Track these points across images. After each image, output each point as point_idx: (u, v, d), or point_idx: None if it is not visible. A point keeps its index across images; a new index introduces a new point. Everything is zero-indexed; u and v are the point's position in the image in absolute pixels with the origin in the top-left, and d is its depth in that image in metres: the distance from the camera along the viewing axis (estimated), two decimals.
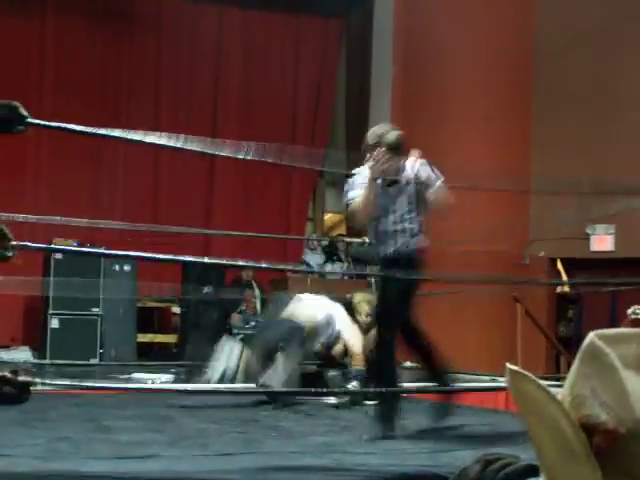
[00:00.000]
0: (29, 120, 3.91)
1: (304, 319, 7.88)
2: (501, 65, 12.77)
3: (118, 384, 8.24)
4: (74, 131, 4.37)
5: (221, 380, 7.82)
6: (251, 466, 4.98)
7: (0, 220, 4.24)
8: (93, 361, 11.41)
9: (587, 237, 12.37)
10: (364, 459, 5.24)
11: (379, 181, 6.00)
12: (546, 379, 8.79)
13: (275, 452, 5.45)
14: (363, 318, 8.27)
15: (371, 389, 6.59)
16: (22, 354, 11.62)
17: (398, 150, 5.98)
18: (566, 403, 1.26)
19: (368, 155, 6.01)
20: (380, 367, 6.13)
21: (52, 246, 9.89)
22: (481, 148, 12.36)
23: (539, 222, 12.20)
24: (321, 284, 11.94)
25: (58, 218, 8.65)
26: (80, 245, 10.62)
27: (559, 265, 11.70)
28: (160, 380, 8.93)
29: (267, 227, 13.18)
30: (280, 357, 7.48)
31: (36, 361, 11.37)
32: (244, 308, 12.47)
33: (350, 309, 8.47)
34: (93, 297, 11.61)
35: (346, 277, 12.74)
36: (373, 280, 6.99)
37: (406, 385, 8.75)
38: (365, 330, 8.26)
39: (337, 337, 8.43)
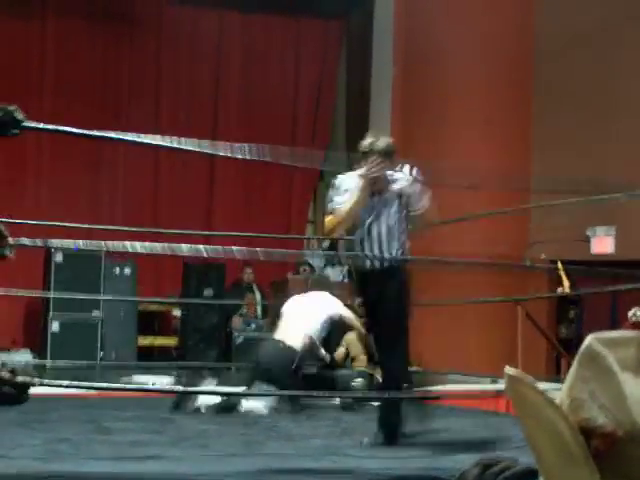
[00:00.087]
0: (24, 124, 3.91)
1: (297, 343, 7.78)
2: (501, 66, 12.77)
3: (118, 385, 8.21)
4: (70, 133, 4.36)
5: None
6: (251, 468, 4.98)
7: None
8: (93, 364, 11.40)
9: (587, 239, 12.36)
10: (364, 462, 5.24)
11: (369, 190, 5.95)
12: (547, 381, 8.80)
13: (275, 454, 5.45)
14: (365, 321, 8.26)
15: (375, 392, 6.54)
16: (23, 357, 11.62)
17: (390, 157, 5.94)
18: (564, 406, 1.25)
19: (361, 163, 5.97)
20: (395, 373, 6.04)
21: (49, 242, 9.81)
22: (481, 149, 12.36)
23: (539, 224, 12.20)
24: (322, 286, 11.93)
25: (58, 224, 8.64)
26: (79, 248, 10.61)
27: (559, 267, 11.67)
28: (161, 383, 8.92)
29: (267, 228, 13.18)
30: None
31: (36, 361, 11.37)
32: (245, 311, 12.48)
33: (355, 311, 8.47)
34: (94, 300, 11.61)
35: (346, 280, 12.73)
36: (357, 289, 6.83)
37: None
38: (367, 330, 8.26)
39: (337, 342, 8.46)
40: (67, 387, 7.11)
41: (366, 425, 6.44)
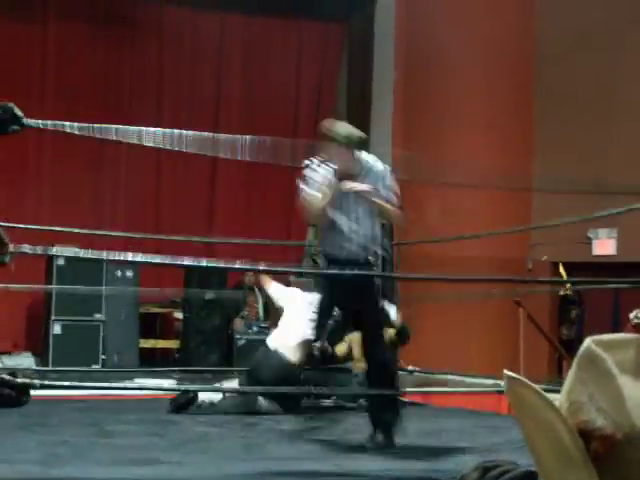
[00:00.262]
0: (25, 121, 3.91)
1: (292, 354, 7.74)
2: (502, 69, 12.76)
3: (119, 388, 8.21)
4: (70, 129, 4.35)
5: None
6: (251, 471, 4.98)
7: None
8: (95, 367, 11.40)
9: (589, 241, 12.36)
10: (365, 464, 5.24)
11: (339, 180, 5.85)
12: (548, 382, 8.80)
13: (275, 457, 5.45)
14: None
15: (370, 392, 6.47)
16: (24, 360, 11.62)
17: (352, 145, 5.90)
18: (563, 409, 1.25)
19: (326, 151, 5.85)
20: (385, 372, 6.05)
21: (49, 249, 9.82)
22: (483, 152, 12.35)
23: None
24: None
25: (58, 229, 8.65)
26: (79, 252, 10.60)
27: (561, 269, 11.67)
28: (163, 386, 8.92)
29: (269, 230, 13.18)
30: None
31: (39, 368, 11.36)
32: (246, 313, 12.47)
33: None
34: (95, 303, 11.61)
35: None
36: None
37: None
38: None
39: (340, 338, 8.42)
40: (67, 389, 7.12)
41: (368, 426, 6.44)
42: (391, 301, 7.82)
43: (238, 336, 12.06)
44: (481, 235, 10.49)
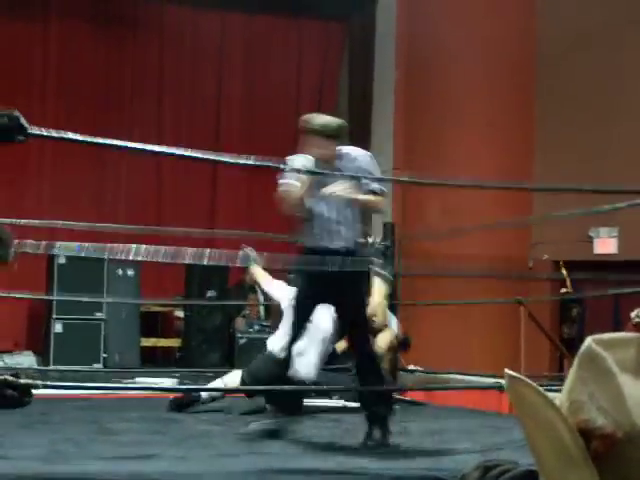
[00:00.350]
0: (30, 131, 3.92)
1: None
2: (503, 69, 12.76)
3: (120, 385, 8.23)
4: (75, 141, 4.37)
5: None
6: (253, 468, 4.99)
7: (1, 225, 4.25)
8: (97, 366, 11.40)
9: (590, 240, 12.36)
10: (366, 462, 5.25)
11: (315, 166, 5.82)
12: (550, 381, 8.80)
13: (277, 454, 5.46)
14: (379, 319, 8.23)
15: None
16: (25, 359, 11.62)
17: (340, 139, 5.88)
18: (564, 408, 1.26)
19: (305, 143, 5.81)
20: (372, 369, 6.00)
21: (52, 245, 9.83)
22: (483, 152, 12.36)
23: (542, 225, 12.19)
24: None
25: (60, 222, 8.65)
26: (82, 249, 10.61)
27: (563, 270, 11.66)
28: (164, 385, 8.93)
29: (271, 229, 13.16)
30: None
31: (41, 368, 11.38)
32: (248, 312, 12.47)
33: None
34: (96, 302, 11.61)
35: None
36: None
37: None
38: (375, 333, 8.25)
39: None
40: (70, 389, 7.13)
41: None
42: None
43: (239, 335, 12.07)
44: (482, 227, 10.50)
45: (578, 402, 1.24)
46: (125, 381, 9.32)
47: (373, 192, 5.79)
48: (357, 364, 6.11)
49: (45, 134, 4.20)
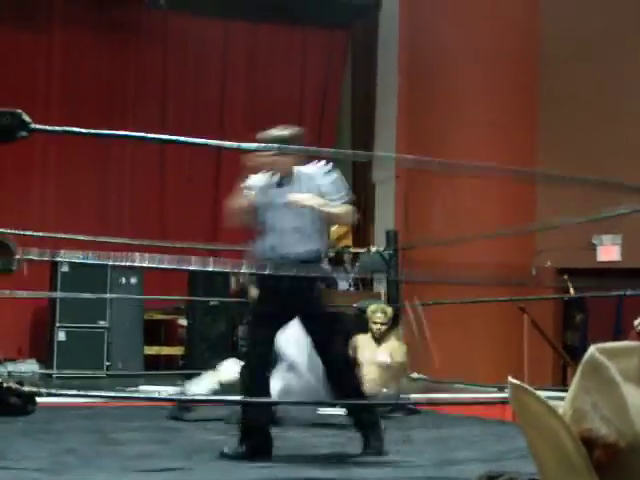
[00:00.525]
0: (32, 126, 3.93)
1: None
2: (506, 72, 12.77)
3: (124, 395, 8.22)
4: (78, 133, 4.37)
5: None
6: (259, 477, 4.98)
7: (5, 235, 4.26)
8: (100, 374, 11.41)
9: (594, 247, 12.35)
10: (370, 471, 5.24)
11: (274, 179, 5.84)
12: (553, 389, 8.79)
13: (282, 464, 5.44)
14: (378, 327, 8.23)
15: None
16: (29, 366, 11.63)
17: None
18: (567, 417, 1.25)
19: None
20: (346, 376, 5.92)
21: (56, 253, 9.85)
22: (487, 153, 12.36)
23: (546, 232, 12.18)
24: (328, 295, 11.92)
25: (62, 235, 8.66)
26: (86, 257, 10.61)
27: (569, 286, 11.63)
28: (167, 392, 8.92)
29: None
30: None
31: (43, 371, 11.39)
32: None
33: (363, 319, 8.43)
34: (100, 310, 11.61)
35: (352, 288, 12.72)
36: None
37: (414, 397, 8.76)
38: (378, 339, 8.24)
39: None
40: (73, 397, 7.13)
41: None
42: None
43: (242, 342, 12.04)
44: (484, 236, 10.49)
45: (581, 411, 1.23)
46: (129, 389, 9.32)
47: (339, 203, 5.74)
48: (326, 372, 5.96)
49: (48, 129, 4.21)
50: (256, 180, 5.90)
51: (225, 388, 7.50)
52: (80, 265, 10.99)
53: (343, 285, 12.92)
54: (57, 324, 11.57)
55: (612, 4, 12.37)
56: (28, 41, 13.13)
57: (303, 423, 7.00)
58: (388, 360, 8.13)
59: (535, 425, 1.28)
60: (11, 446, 5.76)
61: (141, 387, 9.50)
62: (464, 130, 12.61)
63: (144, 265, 7.01)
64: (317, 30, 14.53)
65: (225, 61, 14.24)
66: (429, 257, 11.15)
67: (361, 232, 13.88)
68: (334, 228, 15.72)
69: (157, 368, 12.46)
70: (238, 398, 6.04)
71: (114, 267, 11.32)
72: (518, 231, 11.42)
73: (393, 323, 8.64)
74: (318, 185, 5.75)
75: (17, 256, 4.09)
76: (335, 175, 5.86)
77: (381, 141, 13.79)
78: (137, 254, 7.14)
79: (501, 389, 8.72)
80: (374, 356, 8.17)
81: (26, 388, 4.16)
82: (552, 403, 1.27)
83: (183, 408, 7.52)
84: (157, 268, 7.31)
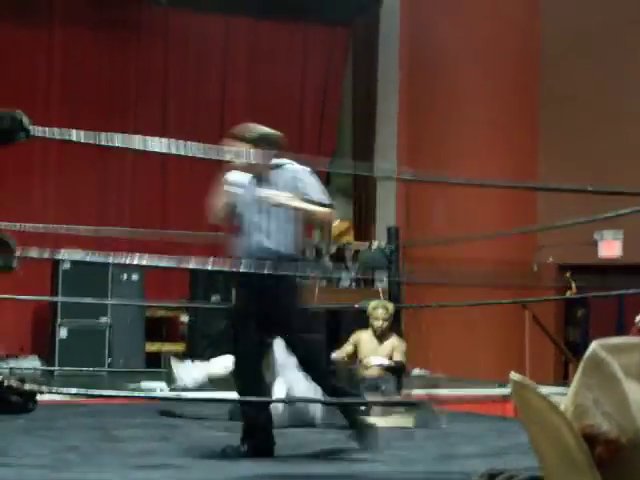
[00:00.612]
0: (32, 133, 3.93)
1: None
2: (507, 69, 12.77)
3: (126, 393, 8.22)
4: (77, 141, 4.37)
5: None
6: (259, 474, 4.98)
7: (4, 232, 4.25)
8: (101, 370, 11.41)
9: (595, 243, 12.34)
10: (372, 467, 5.24)
11: (251, 178, 5.88)
12: (555, 385, 8.79)
13: (283, 460, 5.45)
14: (380, 323, 8.21)
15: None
16: (31, 363, 11.63)
17: (270, 147, 5.89)
18: (569, 413, 1.25)
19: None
20: (318, 370, 5.84)
21: (57, 252, 9.84)
22: (487, 152, 12.36)
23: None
24: (329, 292, 11.94)
25: (64, 227, 8.64)
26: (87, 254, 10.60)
27: (572, 284, 11.63)
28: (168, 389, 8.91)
29: None
30: None
31: (44, 368, 11.40)
32: None
33: (364, 316, 8.42)
34: (101, 307, 11.61)
35: (354, 285, 12.71)
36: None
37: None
38: (379, 337, 8.22)
39: (345, 338, 8.41)
40: (75, 395, 7.12)
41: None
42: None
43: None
44: (484, 237, 10.49)
45: (583, 407, 1.23)
46: (131, 386, 9.32)
47: (318, 204, 5.71)
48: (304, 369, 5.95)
49: (47, 135, 4.21)
50: (237, 177, 5.91)
51: (214, 382, 7.50)
52: (81, 262, 11.02)
53: (344, 282, 12.93)
54: (58, 321, 11.57)
55: (612, 4, 12.35)
56: (28, 38, 13.11)
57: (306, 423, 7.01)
58: (385, 363, 8.10)
59: (537, 421, 1.27)
60: (13, 444, 5.76)
61: (142, 384, 9.49)
62: (465, 128, 12.61)
63: (144, 264, 6.97)
64: (318, 27, 14.51)
65: (226, 58, 14.22)
66: (430, 254, 11.15)
67: (362, 229, 13.88)
68: (335, 224, 15.75)
69: (158, 365, 12.46)
70: (235, 397, 6.02)
71: (115, 264, 11.31)
72: (520, 231, 11.41)
73: (394, 320, 8.63)
74: (297, 185, 5.75)
75: (17, 254, 4.08)
76: (314, 178, 5.85)
77: (382, 138, 13.78)
78: (137, 254, 7.13)
79: (503, 385, 8.73)
80: (374, 355, 8.15)
81: (27, 386, 4.15)
82: (554, 399, 1.27)
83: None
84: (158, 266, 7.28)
